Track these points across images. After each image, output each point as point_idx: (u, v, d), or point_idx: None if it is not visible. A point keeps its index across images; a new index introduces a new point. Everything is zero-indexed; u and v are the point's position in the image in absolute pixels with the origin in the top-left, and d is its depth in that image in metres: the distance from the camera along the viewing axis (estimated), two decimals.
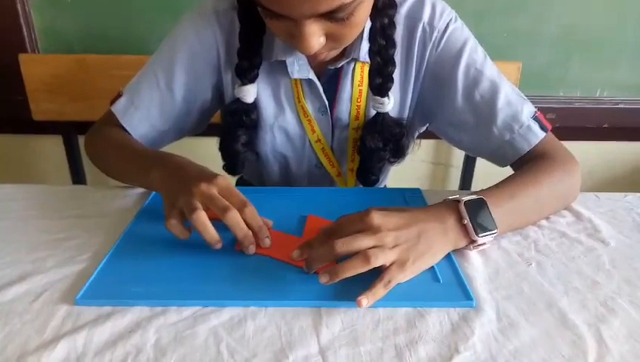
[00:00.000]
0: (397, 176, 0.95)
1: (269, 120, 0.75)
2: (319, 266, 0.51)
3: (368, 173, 0.77)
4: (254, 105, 0.73)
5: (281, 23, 0.57)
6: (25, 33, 1.19)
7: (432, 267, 0.53)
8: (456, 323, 0.46)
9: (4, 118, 1.27)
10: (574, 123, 1.30)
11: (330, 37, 0.59)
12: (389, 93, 0.70)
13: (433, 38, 0.71)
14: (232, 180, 0.99)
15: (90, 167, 1.33)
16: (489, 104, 0.71)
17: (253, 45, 0.69)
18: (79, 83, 1.18)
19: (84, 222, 0.62)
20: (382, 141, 0.73)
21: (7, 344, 0.42)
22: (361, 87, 0.73)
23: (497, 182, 0.63)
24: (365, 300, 0.47)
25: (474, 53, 0.72)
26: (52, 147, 1.32)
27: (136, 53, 1.18)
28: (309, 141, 0.77)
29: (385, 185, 0.97)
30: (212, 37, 0.72)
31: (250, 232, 0.54)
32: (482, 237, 0.55)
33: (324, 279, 0.49)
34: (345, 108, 0.75)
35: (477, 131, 0.73)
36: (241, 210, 0.54)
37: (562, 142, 0.72)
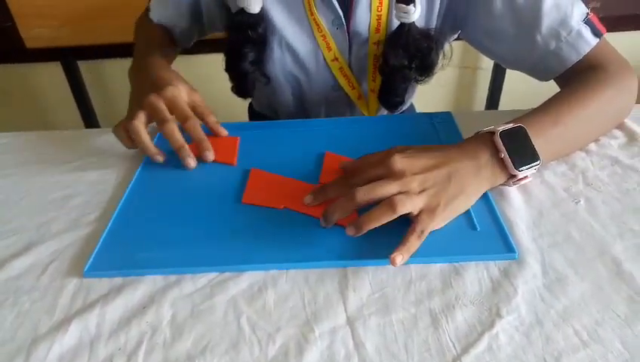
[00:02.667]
0: (422, 95, 0.86)
1: (278, 35, 0.67)
2: (338, 219, 0.46)
3: (392, 95, 0.69)
4: (261, 17, 0.65)
5: None
6: None
7: (468, 211, 0.48)
8: (497, 281, 0.42)
9: None
10: (623, 10, 1.14)
11: None
12: (416, 0, 0.60)
13: None
14: (243, 108, 0.93)
15: (97, 95, 1.27)
16: (533, 7, 0.59)
17: None
18: (70, 2, 1.07)
19: (87, 175, 0.58)
20: (407, 57, 0.64)
21: (18, 328, 0.40)
22: None
23: (533, 87, 0.54)
24: (400, 256, 0.42)
25: None
26: (52, 75, 1.25)
27: None
28: (325, 59, 0.69)
29: (411, 104, 0.89)
30: None
31: (186, 144, 0.55)
32: (523, 170, 0.48)
33: (350, 232, 0.45)
34: (363, 20, 0.65)
35: (517, 40, 0.62)
36: (183, 122, 0.56)
37: (609, 34, 0.61)
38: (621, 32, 1.19)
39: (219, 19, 0.74)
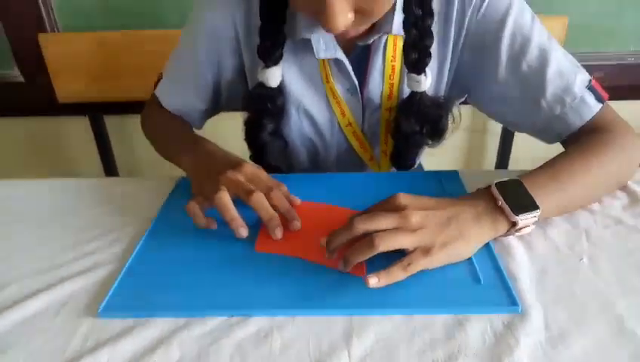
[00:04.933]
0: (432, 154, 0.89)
1: (295, 103, 0.70)
2: (339, 247, 0.49)
3: (403, 158, 0.72)
4: (279, 90, 0.68)
5: None
6: (43, 11, 1.16)
7: (473, 265, 0.49)
8: (500, 333, 0.42)
9: (29, 101, 1.27)
10: (627, 81, 1.19)
11: (358, 11, 0.52)
12: (427, 70, 0.64)
13: (473, 3, 0.63)
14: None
15: (119, 147, 1.33)
16: (538, 75, 0.63)
17: (275, 22, 0.63)
18: (102, 61, 1.15)
19: (106, 221, 0.61)
20: (419, 124, 0.67)
21: None
22: (394, 63, 0.66)
23: (541, 150, 0.57)
24: (376, 279, 0.44)
25: (520, 16, 0.63)
26: (79, 129, 1.32)
27: (157, 27, 1.14)
28: (339, 124, 0.72)
29: (419, 163, 0.92)
30: (229, 16, 0.67)
31: (276, 214, 0.54)
32: (523, 218, 0.50)
33: (340, 267, 0.48)
34: (376, 87, 0.69)
35: (523, 105, 0.66)
36: (267, 194, 0.54)
37: (613, 102, 0.64)
38: (624, 101, 1.23)
39: (238, 98, 0.74)
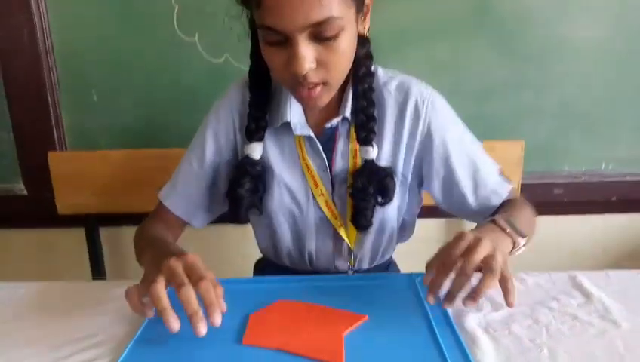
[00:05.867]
0: (410, 257, 0.96)
1: (277, 179, 0.83)
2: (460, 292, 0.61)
3: (361, 216, 0.81)
4: (260, 162, 0.82)
5: (279, 50, 0.66)
6: (55, 133, 1.27)
7: (444, 356, 0.54)
8: None
9: (28, 213, 1.33)
10: (582, 197, 1.31)
11: (319, 63, 0.67)
12: (373, 143, 0.80)
13: (423, 114, 0.81)
14: (251, 260, 1.02)
15: (110, 258, 1.38)
16: (470, 175, 0.84)
17: (260, 110, 0.80)
18: (103, 177, 1.24)
19: (96, 323, 0.64)
20: (368, 181, 0.79)
21: None
22: (356, 147, 0.82)
23: None
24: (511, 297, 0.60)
25: (457, 126, 0.84)
26: (72, 239, 1.37)
27: (158, 146, 1.25)
28: (313, 194, 0.84)
29: (395, 266, 0.99)
30: (229, 113, 0.85)
31: (200, 311, 0.56)
32: (522, 241, 0.71)
33: (473, 303, 0.60)
34: (342, 165, 0.83)
35: (458, 199, 0.85)
36: (195, 285, 0.57)
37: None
38: (582, 215, 1.36)
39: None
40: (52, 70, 1.23)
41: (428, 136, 0.82)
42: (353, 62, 0.74)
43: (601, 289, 0.69)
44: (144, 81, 1.25)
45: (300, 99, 0.74)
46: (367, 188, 0.79)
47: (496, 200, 0.84)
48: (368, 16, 0.74)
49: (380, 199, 0.80)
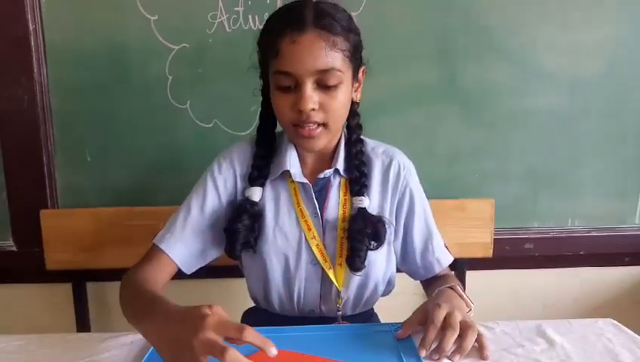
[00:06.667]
0: (391, 311, 1.01)
1: (272, 225, 0.91)
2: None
3: (355, 257, 0.88)
4: (258, 205, 0.91)
5: (288, 95, 0.80)
6: (47, 191, 1.32)
7: None
8: None
9: (16, 269, 1.35)
10: (552, 251, 1.39)
11: (321, 106, 0.80)
12: (365, 195, 0.91)
13: (402, 176, 0.95)
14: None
15: (96, 313, 1.39)
16: (422, 240, 0.98)
17: (264, 160, 0.92)
18: (92, 233, 1.28)
19: None
20: (363, 225, 0.88)
21: None
22: (345, 197, 0.92)
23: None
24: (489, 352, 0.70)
25: (423, 197, 0.98)
26: (59, 293, 1.38)
27: (147, 205, 1.30)
28: (306, 238, 0.90)
29: (376, 316, 1.04)
30: (231, 165, 0.94)
31: None
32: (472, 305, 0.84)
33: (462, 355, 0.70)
34: (333, 213, 0.92)
35: (412, 260, 0.99)
36: (239, 336, 0.57)
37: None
38: (552, 269, 1.43)
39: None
40: (49, 131, 1.29)
41: (403, 195, 0.96)
42: (347, 130, 0.90)
43: (564, 336, 0.75)
44: (136, 142, 1.32)
45: (300, 139, 0.84)
46: (363, 230, 0.88)
47: (438, 268, 0.98)
48: (360, 88, 0.90)
49: (372, 244, 0.89)
